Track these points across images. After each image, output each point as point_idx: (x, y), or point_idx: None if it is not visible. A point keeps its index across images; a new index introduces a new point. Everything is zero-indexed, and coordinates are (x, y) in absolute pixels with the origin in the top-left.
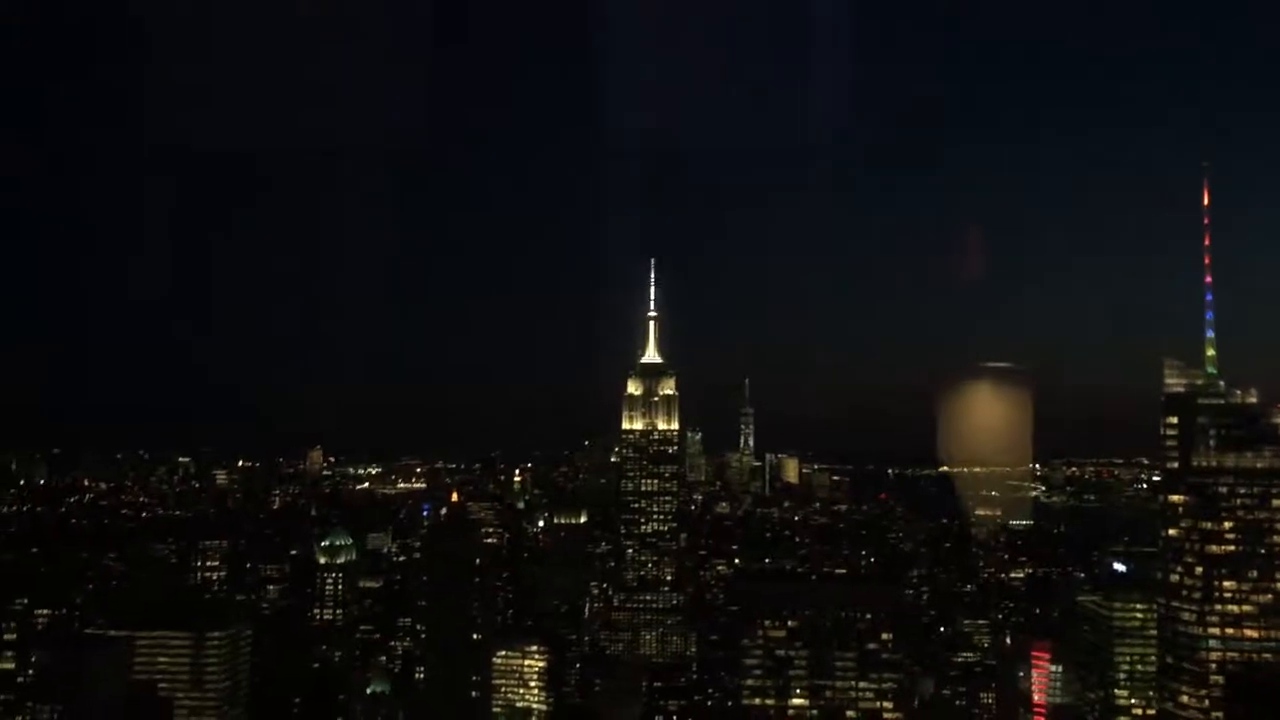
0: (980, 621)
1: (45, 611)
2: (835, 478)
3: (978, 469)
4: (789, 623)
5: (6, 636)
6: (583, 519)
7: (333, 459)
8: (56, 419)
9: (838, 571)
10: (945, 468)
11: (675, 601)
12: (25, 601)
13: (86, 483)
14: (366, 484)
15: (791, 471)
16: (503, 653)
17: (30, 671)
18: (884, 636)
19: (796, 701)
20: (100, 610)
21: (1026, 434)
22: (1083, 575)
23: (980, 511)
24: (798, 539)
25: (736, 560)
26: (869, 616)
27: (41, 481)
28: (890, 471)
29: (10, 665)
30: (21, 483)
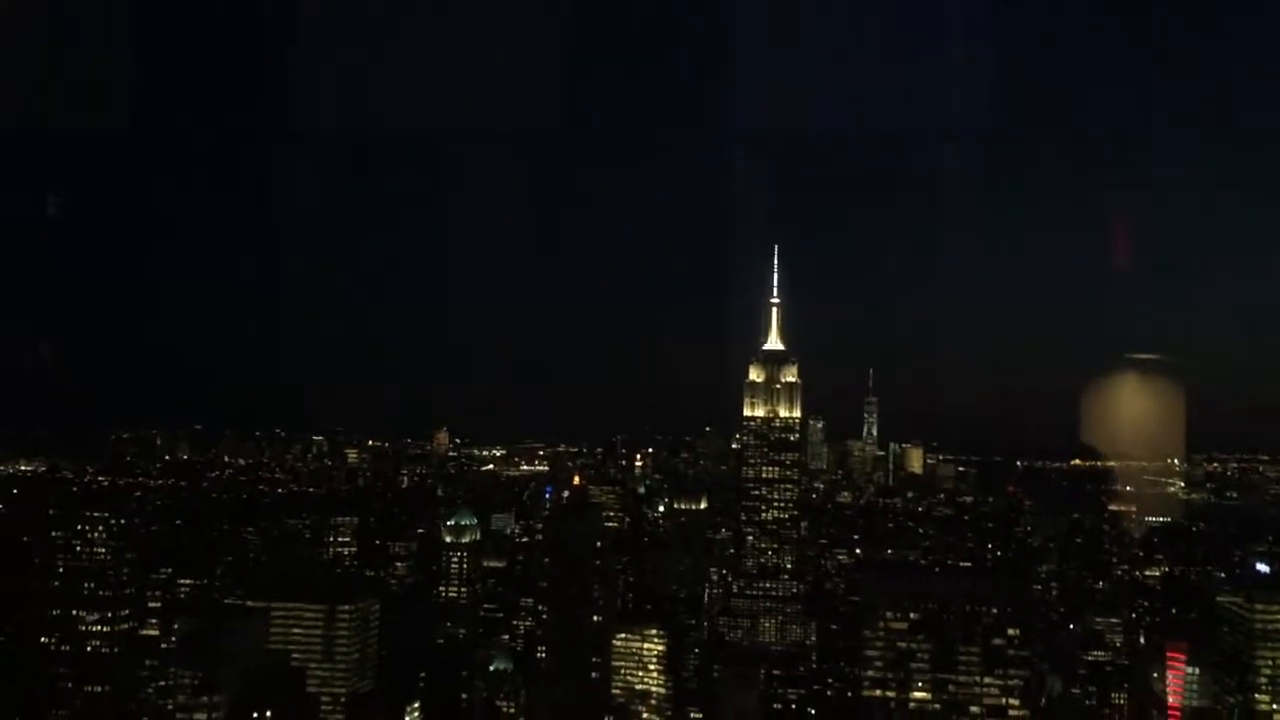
0: (1112, 619)
1: (188, 582)
2: (961, 469)
3: (1112, 463)
4: (911, 615)
5: (152, 604)
6: (703, 505)
7: (458, 440)
8: (199, 397)
9: (962, 564)
10: (1077, 461)
11: (795, 590)
12: (169, 571)
13: (226, 459)
14: (490, 466)
15: (915, 461)
16: (622, 635)
17: (173, 638)
18: (1010, 632)
19: (918, 695)
20: (238, 582)
21: (1174, 429)
22: (1223, 575)
23: (1114, 507)
24: (921, 530)
25: (858, 550)
26: (995, 611)
27: (185, 457)
28: (1019, 464)
29: (155, 632)
30: (166, 458)
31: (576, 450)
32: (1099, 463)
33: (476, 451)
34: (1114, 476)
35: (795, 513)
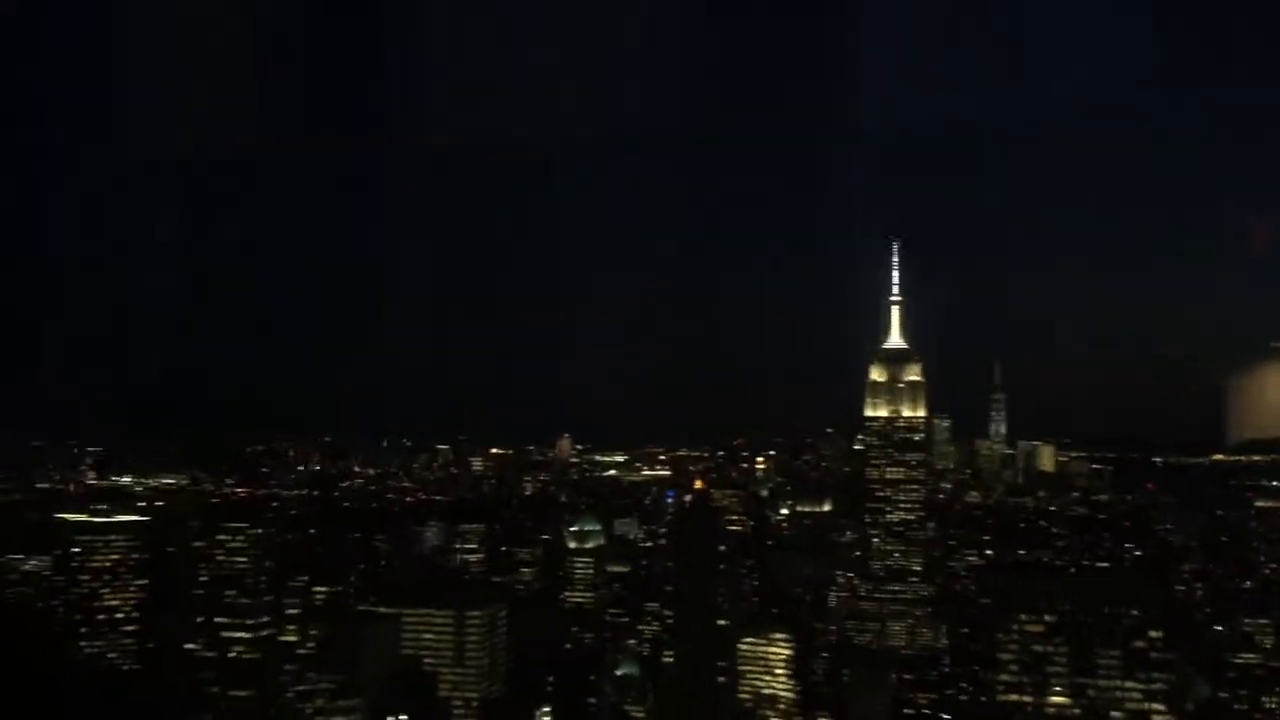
0: (1262, 621)
1: (323, 589)
2: (1095, 466)
3: (1257, 457)
4: (1046, 616)
5: (289, 611)
6: (826, 507)
7: (580, 447)
8: (329, 407)
9: (1099, 565)
10: (1220, 456)
11: (924, 592)
12: (305, 579)
13: (356, 468)
14: (612, 471)
15: (1047, 459)
16: (749, 639)
17: (311, 644)
18: (1152, 634)
19: (1056, 699)
20: (371, 588)
21: None
22: None
23: (1262, 503)
24: (1054, 530)
25: (988, 551)
26: (1135, 612)
27: (317, 467)
28: (1157, 460)
29: (294, 637)
30: (300, 468)
31: (698, 454)
32: (1244, 457)
33: (598, 457)
34: (1261, 472)
35: (922, 514)
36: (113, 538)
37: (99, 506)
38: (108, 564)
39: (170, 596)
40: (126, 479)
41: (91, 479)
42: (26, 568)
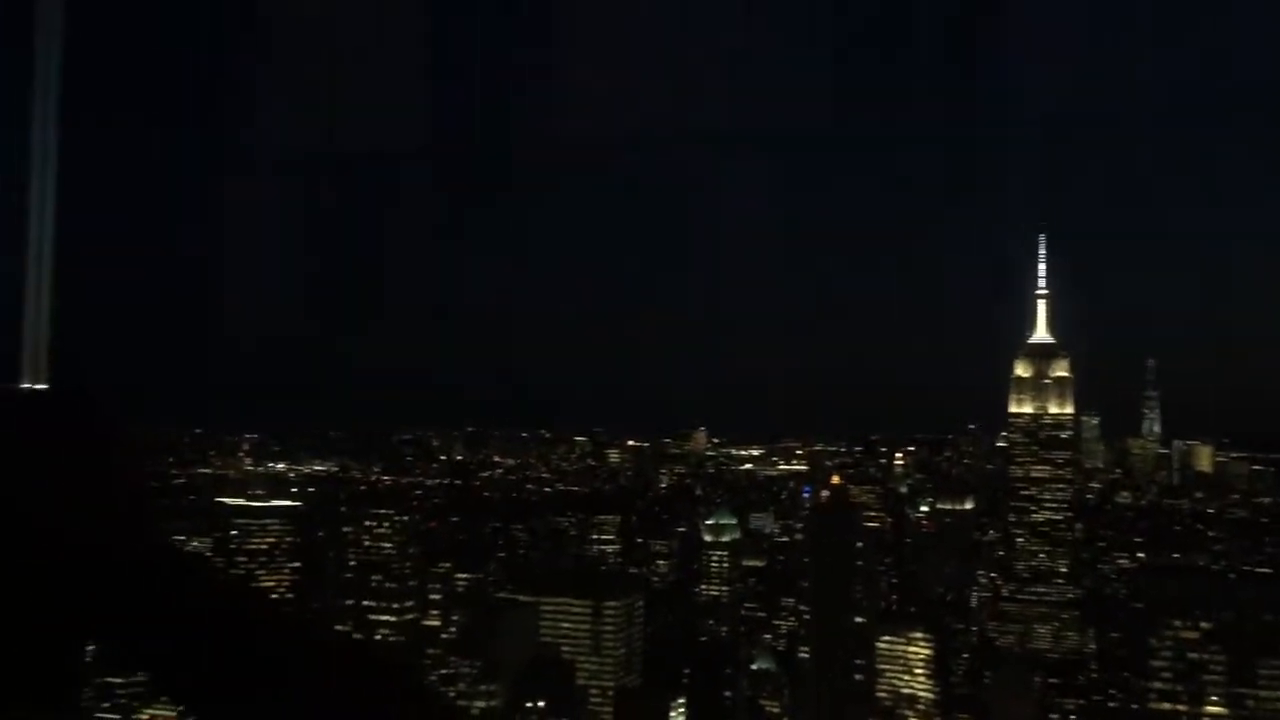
0: None
1: (464, 576)
2: (1256, 467)
3: None
4: (1202, 623)
5: (433, 597)
6: (968, 505)
7: (715, 440)
8: (472, 398)
9: (1260, 570)
10: None
11: (1071, 595)
12: (448, 566)
13: (496, 458)
14: (748, 465)
15: (1204, 459)
16: (887, 638)
17: (453, 629)
18: None
19: (1212, 709)
20: (510, 577)
21: None
22: None
23: None
24: (1211, 533)
25: (1140, 554)
26: None
27: (459, 457)
28: None
29: (436, 623)
30: (443, 458)
31: (834, 449)
32: None
33: (734, 451)
34: None
35: (1069, 514)
36: (268, 522)
37: (256, 492)
38: (264, 546)
39: (320, 579)
40: (281, 466)
41: (248, 465)
42: (190, 548)
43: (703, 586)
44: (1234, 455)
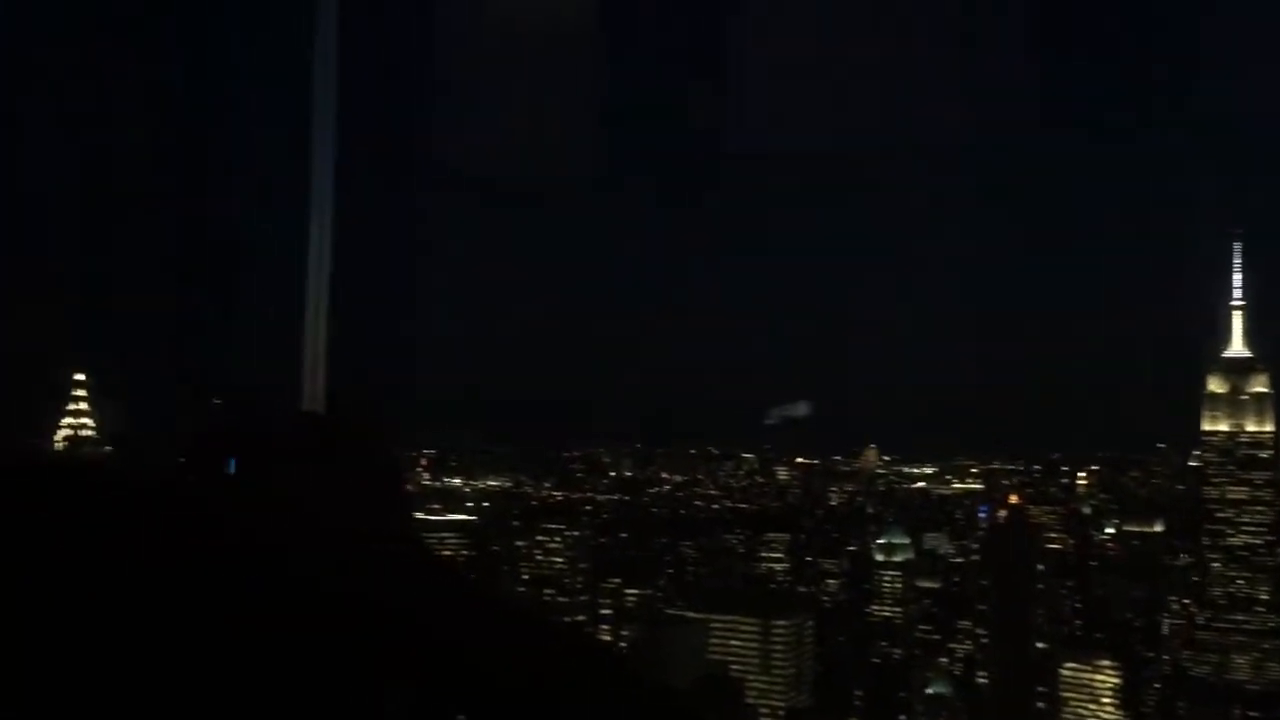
0: None
1: (634, 592)
2: None
3: None
4: None
5: (603, 612)
6: (1158, 528)
7: (887, 458)
8: (639, 416)
9: None
10: None
11: (1273, 624)
12: (618, 581)
13: (664, 476)
14: (921, 483)
15: None
16: (1071, 665)
17: (623, 645)
18: None
19: None
20: (679, 593)
21: None
22: None
23: None
24: None
25: None
26: None
27: (628, 474)
28: None
29: (607, 638)
30: (612, 474)
31: (1012, 468)
32: None
33: (906, 469)
34: None
35: (1270, 538)
36: (445, 535)
37: (433, 505)
38: (442, 558)
39: (495, 592)
40: (456, 481)
41: (426, 479)
42: None
43: (874, 607)
44: None
